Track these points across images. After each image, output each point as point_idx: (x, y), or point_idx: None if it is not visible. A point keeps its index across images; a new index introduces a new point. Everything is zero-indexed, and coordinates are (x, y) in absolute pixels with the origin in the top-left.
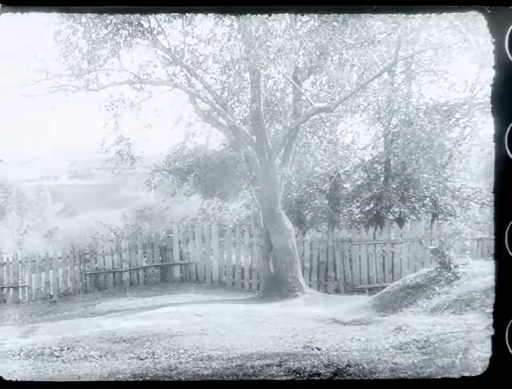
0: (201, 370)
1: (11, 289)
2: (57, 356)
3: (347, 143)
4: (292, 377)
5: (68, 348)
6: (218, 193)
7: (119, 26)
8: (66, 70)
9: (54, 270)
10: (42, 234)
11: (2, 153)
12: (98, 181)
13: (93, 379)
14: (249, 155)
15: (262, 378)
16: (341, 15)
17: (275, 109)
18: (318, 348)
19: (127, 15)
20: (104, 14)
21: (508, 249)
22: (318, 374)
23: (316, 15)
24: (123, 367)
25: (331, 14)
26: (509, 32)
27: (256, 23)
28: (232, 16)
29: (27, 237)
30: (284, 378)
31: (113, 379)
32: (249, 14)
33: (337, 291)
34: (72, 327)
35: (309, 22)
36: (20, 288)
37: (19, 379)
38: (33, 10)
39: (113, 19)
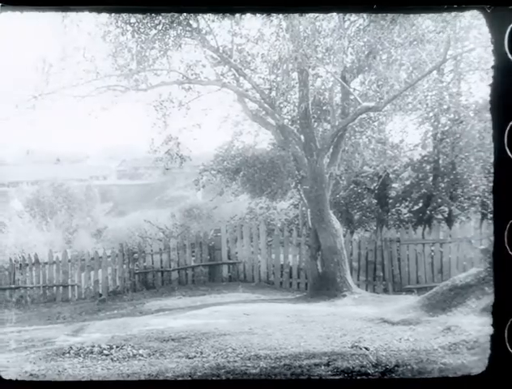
0: (249, 369)
1: (61, 288)
2: (107, 355)
3: (395, 142)
4: (340, 376)
5: (117, 347)
6: (266, 192)
7: (168, 26)
8: (115, 70)
9: (103, 269)
10: (91, 233)
11: (54, 153)
12: (147, 181)
13: (142, 378)
14: (297, 154)
15: (310, 377)
16: (389, 15)
17: (324, 108)
18: (367, 348)
19: (176, 15)
20: (153, 15)
21: (508, 248)
22: (367, 374)
23: (365, 15)
24: (171, 366)
25: (379, 14)
26: (508, 31)
27: (304, 22)
28: (280, 16)
29: (77, 235)
30: (332, 378)
31: (161, 378)
32: (297, 14)
33: (385, 291)
34: (121, 325)
35: (357, 21)
36: (70, 287)
37: (50, 379)
38: (34, 10)
39: (162, 19)
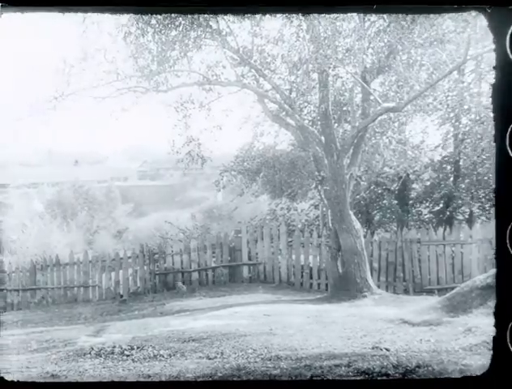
0: (269, 370)
1: (82, 288)
2: (128, 356)
3: (416, 143)
4: (361, 377)
5: (138, 348)
6: (286, 193)
7: (188, 27)
8: (135, 71)
9: (124, 269)
10: (112, 234)
11: (74, 154)
12: (167, 182)
13: (162, 379)
14: (317, 155)
15: (330, 378)
16: (409, 15)
17: (344, 108)
18: (387, 349)
19: (196, 16)
20: (174, 15)
21: (509, 248)
22: (387, 375)
23: (385, 15)
24: (192, 366)
25: (400, 14)
26: (509, 31)
27: (324, 23)
28: (301, 16)
29: (98, 236)
30: (353, 379)
31: (182, 379)
32: (316, 15)
33: (406, 291)
34: (142, 326)
35: (377, 21)
36: (90, 288)
37: (70, 379)
38: (35, 10)
39: (182, 20)
